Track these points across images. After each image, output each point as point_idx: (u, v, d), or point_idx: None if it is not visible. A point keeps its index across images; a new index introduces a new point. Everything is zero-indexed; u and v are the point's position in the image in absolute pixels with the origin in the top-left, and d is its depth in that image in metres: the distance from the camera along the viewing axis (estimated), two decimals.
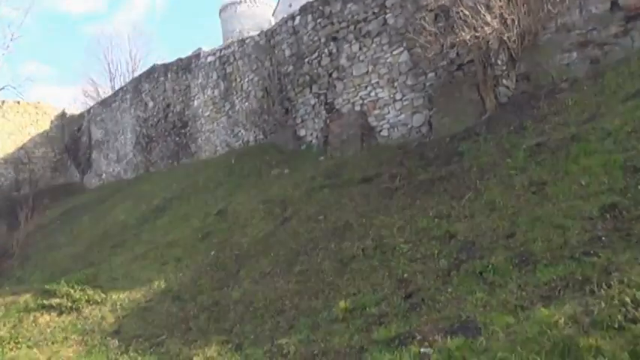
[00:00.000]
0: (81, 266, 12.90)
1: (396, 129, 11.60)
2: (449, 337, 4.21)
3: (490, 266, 5.14)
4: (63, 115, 28.34)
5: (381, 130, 11.92)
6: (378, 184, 9.25)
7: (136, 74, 27.37)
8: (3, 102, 26.84)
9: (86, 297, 10.00)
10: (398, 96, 11.53)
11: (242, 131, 15.98)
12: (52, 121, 28.06)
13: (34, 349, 8.37)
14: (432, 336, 4.30)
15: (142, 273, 10.55)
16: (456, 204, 6.88)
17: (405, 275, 5.82)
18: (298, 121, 13.99)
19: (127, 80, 30.06)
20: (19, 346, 8.72)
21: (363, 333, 5.02)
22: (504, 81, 10.07)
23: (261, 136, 15.26)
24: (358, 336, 5.00)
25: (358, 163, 10.93)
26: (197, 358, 5.98)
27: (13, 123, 26.82)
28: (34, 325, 9.60)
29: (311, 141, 13.65)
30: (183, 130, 18.88)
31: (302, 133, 13.89)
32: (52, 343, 8.51)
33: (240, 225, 10.65)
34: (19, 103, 27.27)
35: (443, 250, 5.97)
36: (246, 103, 15.77)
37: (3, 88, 29.51)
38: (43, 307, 10.06)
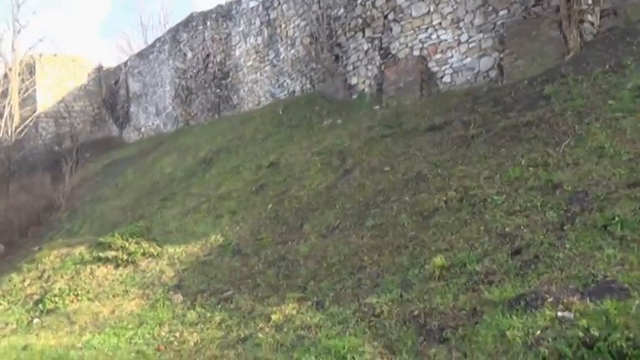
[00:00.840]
0: (130, 219, 12.69)
1: (460, 74, 10.71)
2: (588, 299, 3.60)
3: (616, 219, 4.46)
4: (99, 68, 28.01)
5: (442, 76, 11.04)
6: (448, 133, 8.51)
7: (169, 26, 26.67)
8: (41, 55, 26.59)
9: (142, 250, 9.75)
10: (463, 38, 10.57)
11: (287, 81, 15.25)
12: (89, 75, 27.80)
13: (96, 302, 8.16)
14: (565, 297, 3.70)
15: (197, 226, 10.22)
16: (552, 151, 6.14)
17: (507, 229, 5.19)
18: (349, 68, 13.17)
19: (160, 34, 29.44)
20: (79, 298, 8.54)
21: (470, 293, 4.46)
22: (589, 17, 9.04)
23: (309, 86, 14.52)
24: (465, 296, 4.45)
25: (420, 112, 10.16)
26: (276, 316, 5.56)
27: (51, 77, 26.65)
28: (91, 277, 9.43)
29: (363, 89, 12.86)
30: (224, 82, 18.24)
31: (353, 81, 13.09)
32: (113, 296, 8.29)
33: (296, 177, 10.12)
34: (55, 56, 27.02)
35: (548, 202, 5.29)
36: (292, 51, 14.96)
37: (41, 40, 29.21)
38: (99, 259, 9.88)
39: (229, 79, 17.95)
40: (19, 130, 22.30)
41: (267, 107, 15.17)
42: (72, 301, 8.48)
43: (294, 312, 5.57)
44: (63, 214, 17.01)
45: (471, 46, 10.47)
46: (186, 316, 6.77)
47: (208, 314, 6.56)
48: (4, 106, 22.74)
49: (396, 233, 6.47)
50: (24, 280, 10.23)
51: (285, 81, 15.35)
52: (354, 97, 13.06)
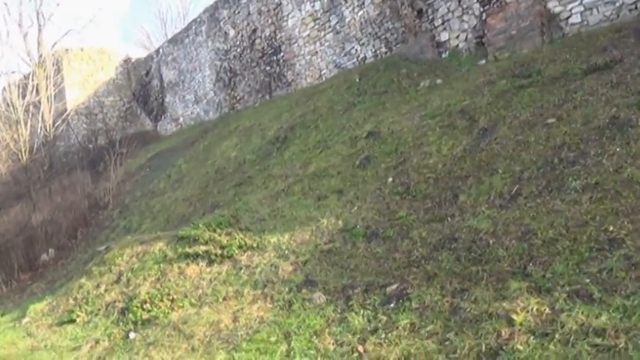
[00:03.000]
0: (201, 210, 11.07)
1: (593, 11, 8.84)
2: None
3: None
4: (128, 60, 26.43)
5: (568, 17, 9.18)
6: (624, 72, 6.70)
7: (189, 17, 25.05)
8: (67, 50, 25.07)
9: (237, 242, 8.05)
10: None
11: (356, 47, 13.45)
12: (116, 68, 26.24)
13: (204, 308, 6.50)
14: None
15: (295, 211, 8.51)
16: None
17: None
18: (437, 23, 11.34)
19: (178, 26, 27.85)
20: (179, 304, 6.89)
21: None
22: None
23: (384, 50, 12.72)
24: None
25: (555, 57, 8.33)
26: (521, 316, 3.82)
27: (79, 72, 25.13)
28: (182, 278, 7.78)
29: (457, 45, 11.03)
30: (275, 58, 16.50)
31: (443, 37, 11.27)
32: (223, 299, 6.61)
33: (411, 145, 8.36)
34: (82, 50, 25.48)
35: None
36: (361, 13, 13.15)
37: (67, 33, 27.69)
38: (187, 256, 8.22)
39: (281, 54, 16.20)
40: (51, 129, 20.78)
41: (335, 78, 13.40)
42: (171, 308, 6.83)
43: (547, 309, 3.83)
44: (113, 212, 15.50)
45: None
46: (347, 320, 5.07)
47: (383, 317, 4.85)
48: (31, 105, 21.23)
49: (631, 193, 4.70)
50: (98, 286, 8.63)
51: (353, 48, 13.55)
52: (445, 56, 11.26)
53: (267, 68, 16.90)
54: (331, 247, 6.87)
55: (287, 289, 6.30)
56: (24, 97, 19.20)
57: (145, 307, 7.22)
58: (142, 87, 25.41)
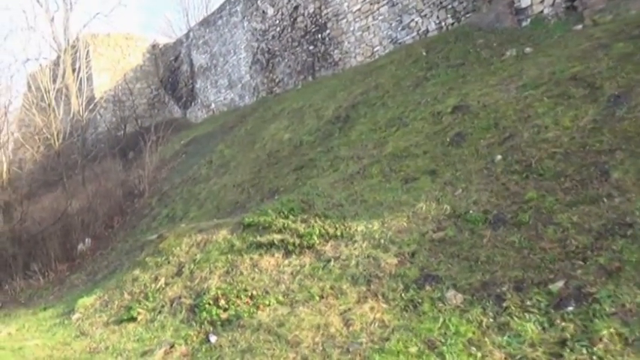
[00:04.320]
0: (258, 196, 10.00)
1: None
2: None
3: None
4: (155, 46, 25.39)
5: None
6: None
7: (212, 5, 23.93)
8: (93, 36, 24.08)
9: (317, 230, 6.96)
10: None
11: (416, 19, 12.22)
12: (143, 54, 25.21)
13: (299, 307, 5.39)
14: None
15: (378, 194, 7.37)
16: None
17: None
18: None
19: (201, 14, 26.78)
20: (264, 302, 5.79)
21: None
22: None
23: (450, 20, 11.48)
24: None
25: None
26: None
27: (105, 58, 24.14)
28: (256, 271, 6.70)
29: (541, 12, 9.76)
30: (319, 36, 15.31)
31: (524, 3, 9.99)
32: (320, 297, 5.50)
33: (514, 119, 7.16)
34: (109, 35, 24.47)
35: None
36: None
37: (95, 17, 26.79)
38: (258, 245, 7.15)
39: (327, 31, 15.00)
40: (80, 115, 19.81)
41: (394, 54, 12.18)
42: (255, 307, 5.74)
43: None
44: (151, 200, 14.49)
45: None
46: (510, 327, 3.93)
47: (565, 324, 3.70)
48: (60, 91, 20.28)
49: None
50: (156, 279, 7.58)
51: (412, 20, 12.32)
52: (526, 23, 9.99)
53: (311, 48, 15.72)
54: (443, 236, 5.72)
55: (401, 285, 5.17)
56: (54, 82, 18.20)
57: (220, 304, 6.15)
58: (171, 73, 24.37)
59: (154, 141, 17.32)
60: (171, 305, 6.74)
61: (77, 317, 7.57)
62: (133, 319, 6.72)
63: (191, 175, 14.33)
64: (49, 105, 16.43)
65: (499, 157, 6.62)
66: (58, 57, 22.19)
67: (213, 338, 5.39)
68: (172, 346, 5.50)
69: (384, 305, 4.96)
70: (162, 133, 18.42)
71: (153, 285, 7.45)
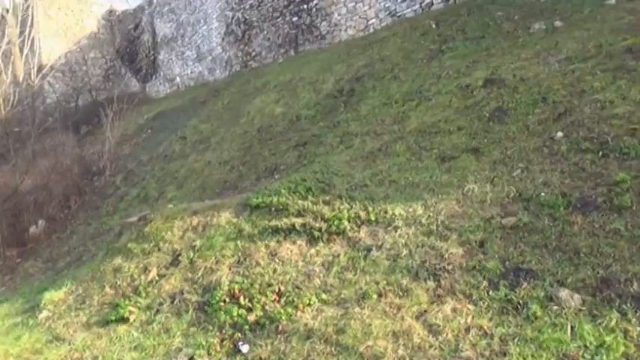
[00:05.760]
0: (253, 175, 8.76)
1: None
2: None
3: None
4: (111, 12, 23.08)
5: None
6: None
7: None
8: None
9: (345, 214, 5.87)
10: None
11: None
12: (99, 21, 22.86)
13: (356, 308, 4.27)
14: None
15: (409, 174, 6.37)
16: None
17: None
18: None
19: None
20: (304, 300, 4.63)
21: None
22: None
23: None
24: None
25: None
26: None
27: (56, 23, 21.64)
28: (277, 261, 5.54)
29: None
30: (304, 6, 14.03)
31: None
32: (377, 295, 4.41)
33: (565, 94, 6.34)
34: None
35: None
36: None
37: None
38: (274, 230, 5.97)
39: (314, 2, 13.76)
40: (30, 80, 17.52)
41: (395, 27, 11.14)
42: (291, 306, 4.58)
43: None
44: (115, 179, 12.86)
45: None
46: None
47: None
48: (4, 55, 17.90)
49: None
50: (146, 270, 6.23)
51: None
52: None
53: (294, 19, 14.42)
54: (516, 222, 4.78)
55: (484, 281, 4.18)
56: None
57: (240, 302, 4.94)
58: (129, 43, 22.23)
59: (114, 114, 15.46)
60: (172, 302, 5.45)
61: (45, 316, 6.10)
62: (123, 320, 5.38)
63: (161, 152, 12.78)
64: None
65: (560, 134, 5.75)
66: (2, 16, 19.60)
67: (245, 348, 4.20)
68: (192, 359, 4.26)
69: (470, 307, 3.95)
70: (122, 106, 16.54)
71: (142, 277, 6.10)
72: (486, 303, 3.93)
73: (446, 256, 4.71)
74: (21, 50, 19.25)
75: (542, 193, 5.02)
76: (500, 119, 6.58)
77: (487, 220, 4.99)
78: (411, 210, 5.66)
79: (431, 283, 4.39)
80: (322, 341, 3.94)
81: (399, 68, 9.22)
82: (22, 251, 10.73)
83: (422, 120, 7.41)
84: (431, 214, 5.47)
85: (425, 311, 4.02)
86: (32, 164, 13.64)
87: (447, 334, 3.67)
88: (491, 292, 4.03)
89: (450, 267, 4.53)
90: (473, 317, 3.81)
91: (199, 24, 18.01)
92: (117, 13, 22.90)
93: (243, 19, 16.15)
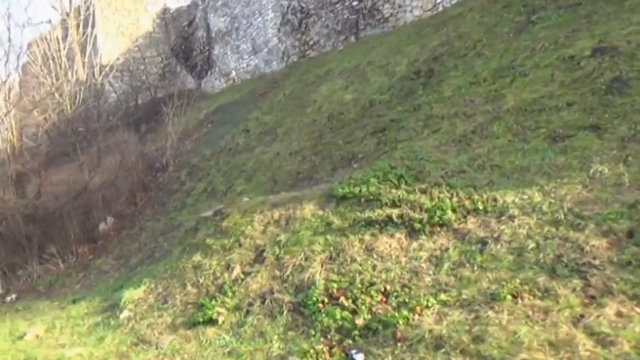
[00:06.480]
0: (328, 165, 8.23)
1: None
2: None
3: None
4: (165, 10, 23.11)
5: None
6: None
7: None
8: None
9: (448, 204, 5.21)
10: None
11: None
12: (153, 20, 22.95)
13: (489, 312, 3.61)
14: None
15: (515, 158, 5.63)
16: None
17: None
18: None
19: None
20: (421, 302, 4.00)
21: None
22: None
23: None
24: None
25: None
26: None
27: (112, 23, 21.88)
28: (374, 256, 4.95)
29: None
30: None
31: None
32: (512, 296, 3.73)
33: None
34: None
35: None
36: None
37: None
38: (367, 223, 5.38)
39: None
40: (94, 79, 17.71)
41: (472, 1, 10.25)
42: (406, 308, 3.97)
43: None
44: (179, 174, 12.64)
45: None
46: None
47: None
48: (63, 58, 18.15)
49: None
50: (229, 267, 5.80)
51: None
52: None
53: (354, 3, 13.72)
54: None
55: None
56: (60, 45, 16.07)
57: (341, 303, 4.38)
58: (184, 40, 22.17)
59: (174, 110, 15.34)
60: (263, 303, 4.97)
61: (127, 316, 5.78)
62: (211, 322, 4.95)
63: (224, 146, 12.46)
64: (60, 66, 14.35)
65: None
66: (63, 20, 19.95)
67: (359, 357, 3.63)
68: None
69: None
70: (181, 102, 16.41)
71: (226, 275, 5.67)
72: None
73: (587, 248, 3.96)
74: (82, 51, 19.54)
75: None
76: (621, 91, 5.70)
77: (632, 206, 4.20)
78: (525, 197, 4.94)
79: (577, 282, 3.67)
80: (458, 352, 3.31)
81: (482, 44, 8.38)
82: (93, 248, 10.67)
83: (520, 97, 6.60)
84: (552, 201, 4.72)
85: (581, 316, 3.31)
86: (98, 162, 13.67)
87: (621, 346, 2.96)
88: None
89: (597, 262, 3.79)
90: None
91: (254, 16, 17.62)
92: (171, 11, 22.92)
93: (299, 8, 15.61)
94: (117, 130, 17.60)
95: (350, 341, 3.92)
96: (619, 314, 3.24)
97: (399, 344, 3.64)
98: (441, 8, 11.47)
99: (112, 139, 16.50)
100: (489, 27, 8.79)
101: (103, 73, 18.68)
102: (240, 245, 6.05)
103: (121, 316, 5.83)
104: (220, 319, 4.93)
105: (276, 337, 4.40)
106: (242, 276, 5.53)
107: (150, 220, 11.05)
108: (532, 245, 4.27)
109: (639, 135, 5.02)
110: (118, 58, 21.76)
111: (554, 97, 6.25)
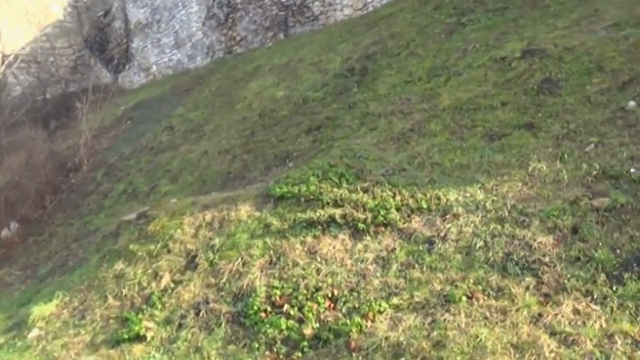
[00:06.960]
0: (261, 164, 7.86)
1: None
2: None
3: None
4: None
5: None
6: None
7: None
8: None
9: (391, 202, 5.05)
10: None
11: None
12: (64, 8, 21.16)
13: (446, 314, 3.42)
14: None
15: (455, 155, 5.62)
16: None
17: None
18: None
19: None
20: (373, 307, 3.75)
21: None
22: None
23: None
24: None
25: None
26: None
27: (17, 10, 19.88)
28: (318, 260, 4.72)
29: None
30: None
31: None
32: (467, 297, 3.59)
33: (623, 61, 5.71)
34: None
35: None
36: None
37: None
38: (309, 224, 5.09)
39: None
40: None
41: (403, 2, 10.28)
42: (358, 315, 3.71)
43: None
44: (95, 174, 11.65)
45: None
46: None
47: None
48: None
49: None
50: (156, 275, 5.24)
51: None
52: None
53: (283, 0, 13.41)
54: (611, 204, 4.05)
55: (600, 275, 3.41)
56: None
57: (286, 311, 4.04)
58: (99, 31, 20.65)
59: (88, 106, 14.13)
60: (197, 314, 4.50)
61: (36, 335, 5.03)
62: (138, 338, 4.40)
63: (146, 144, 11.61)
64: None
65: (632, 103, 5.07)
66: None
67: None
68: None
69: (596, 307, 3.18)
70: (96, 97, 15.17)
71: (153, 284, 5.12)
72: (615, 301, 3.17)
73: (535, 245, 3.93)
74: None
75: (633, 169, 4.30)
76: (552, 91, 5.86)
77: (573, 203, 4.24)
78: (468, 195, 4.89)
79: (529, 280, 3.61)
80: (419, 359, 3.10)
81: (416, 44, 8.40)
82: None
83: (455, 96, 6.62)
84: (495, 199, 4.70)
85: (539, 315, 3.22)
86: (1, 161, 12.25)
87: (584, 345, 2.88)
88: (615, 289, 3.27)
89: (547, 259, 3.76)
90: (606, 321, 3.03)
91: (177, 8, 16.74)
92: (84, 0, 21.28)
93: (225, 2, 15.01)
94: (22, 126, 15.94)
95: (299, 353, 3.59)
96: (576, 312, 3.19)
97: (354, 354, 3.37)
98: (371, 8, 11.45)
99: (16, 135, 14.93)
100: (421, 27, 8.84)
101: (5, 62, 16.87)
102: (168, 251, 5.51)
103: (30, 336, 5.07)
104: (149, 335, 4.40)
105: (214, 352, 3.97)
106: (172, 285, 5.01)
107: (61, 225, 10.00)
108: (480, 244, 4.18)
109: (572, 133, 5.15)
110: (24, 48, 19.81)
111: (488, 96, 6.33)
